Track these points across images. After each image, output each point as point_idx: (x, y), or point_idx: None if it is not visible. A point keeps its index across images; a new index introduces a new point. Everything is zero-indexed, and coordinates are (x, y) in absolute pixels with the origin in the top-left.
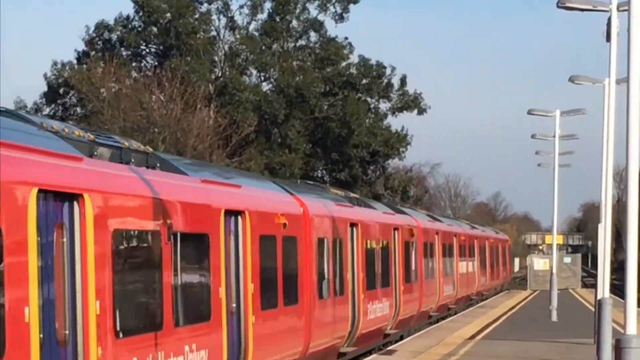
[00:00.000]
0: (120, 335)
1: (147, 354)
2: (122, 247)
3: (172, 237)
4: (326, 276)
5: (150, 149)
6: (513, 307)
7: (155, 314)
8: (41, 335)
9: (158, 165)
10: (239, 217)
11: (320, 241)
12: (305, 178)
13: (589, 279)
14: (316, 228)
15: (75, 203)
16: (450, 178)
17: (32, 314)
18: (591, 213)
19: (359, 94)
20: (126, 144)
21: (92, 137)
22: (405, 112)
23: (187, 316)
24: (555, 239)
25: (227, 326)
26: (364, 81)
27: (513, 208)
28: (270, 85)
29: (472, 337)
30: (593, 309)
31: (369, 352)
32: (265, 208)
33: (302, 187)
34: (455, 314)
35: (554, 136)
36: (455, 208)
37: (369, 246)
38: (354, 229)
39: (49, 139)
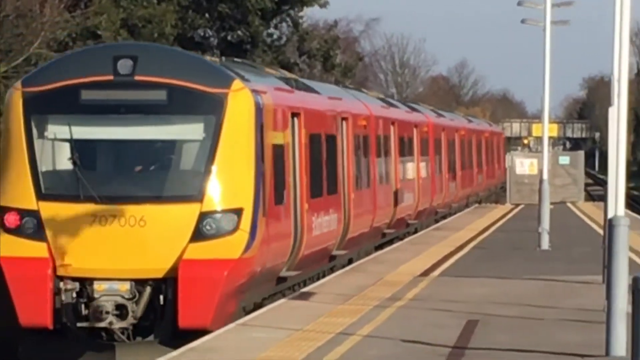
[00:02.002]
0: (311, 196)
1: (321, 207)
2: (313, 143)
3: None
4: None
5: (294, 76)
6: (485, 230)
7: (330, 186)
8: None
9: (304, 86)
10: (343, 121)
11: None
12: (181, 39)
13: (596, 188)
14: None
15: (296, 118)
16: (393, 40)
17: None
18: (599, 92)
19: None
20: (288, 75)
21: (276, 72)
22: None
23: (351, 184)
24: (547, 129)
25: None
26: None
27: (486, 85)
28: None
29: (425, 272)
30: (602, 233)
31: (311, 280)
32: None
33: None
34: (416, 231)
35: None
36: (402, 83)
37: (313, 142)
38: (296, 120)
39: (273, 78)
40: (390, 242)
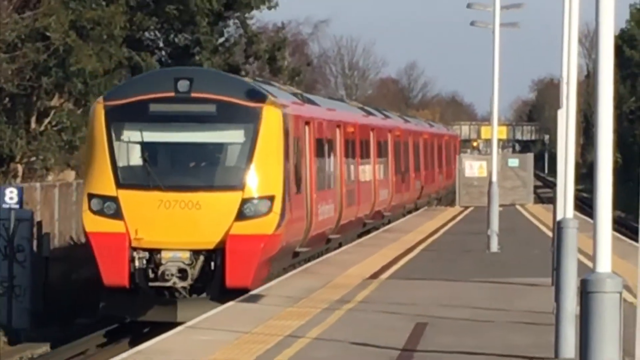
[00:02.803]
0: (317, 189)
1: (323, 198)
2: (318, 145)
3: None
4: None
5: (299, 92)
6: (435, 232)
7: (329, 181)
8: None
9: (308, 100)
10: (337, 128)
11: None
12: (130, 41)
13: (545, 191)
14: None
15: (307, 125)
16: (342, 42)
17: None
18: (548, 94)
19: None
20: (288, 88)
21: (287, 89)
22: None
23: (344, 180)
24: (497, 131)
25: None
26: None
27: (436, 87)
28: None
29: (375, 275)
30: (551, 235)
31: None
32: (350, 119)
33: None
34: (389, 222)
35: None
36: (351, 85)
37: (318, 145)
38: (306, 127)
39: (288, 94)
40: (369, 231)
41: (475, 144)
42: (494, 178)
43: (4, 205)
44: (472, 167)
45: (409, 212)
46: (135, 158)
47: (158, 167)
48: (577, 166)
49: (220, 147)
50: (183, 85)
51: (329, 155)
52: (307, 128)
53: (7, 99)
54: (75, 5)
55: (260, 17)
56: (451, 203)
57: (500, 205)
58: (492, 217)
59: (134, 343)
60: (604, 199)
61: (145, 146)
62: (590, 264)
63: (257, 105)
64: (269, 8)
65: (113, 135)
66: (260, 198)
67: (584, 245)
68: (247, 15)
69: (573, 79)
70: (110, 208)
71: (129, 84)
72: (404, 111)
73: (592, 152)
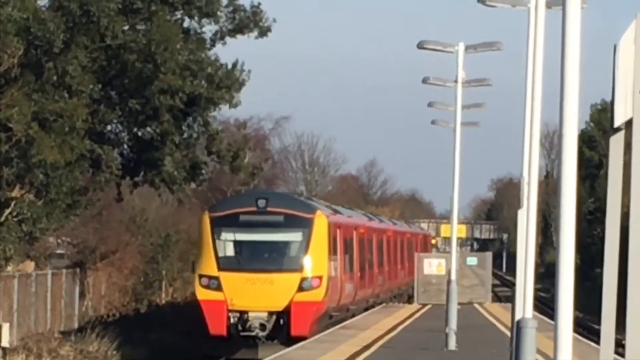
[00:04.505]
0: (346, 270)
1: (348, 279)
2: (345, 243)
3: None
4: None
5: (330, 204)
6: (392, 329)
7: (351, 267)
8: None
9: (335, 210)
10: (354, 230)
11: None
12: (91, 133)
13: (503, 290)
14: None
15: (338, 229)
16: (303, 139)
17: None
18: (507, 193)
19: (174, 12)
20: (324, 202)
21: (324, 202)
22: (239, 35)
23: (359, 267)
24: (456, 229)
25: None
26: None
27: (395, 184)
28: None
29: None
30: (509, 334)
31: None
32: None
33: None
34: (381, 302)
35: (456, 81)
36: (311, 181)
37: (345, 242)
38: (338, 230)
39: (325, 206)
40: (370, 307)
41: (434, 241)
42: (453, 276)
43: None
44: (431, 265)
45: (396, 296)
46: (230, 251)
47: (245, 257)
48: (536, 266)
49: (286, 244)
50: (261, 202)
51: (349, 249)
52: (338, 230)
53: None
54: (38, 97)
55: (222, 112)
56: (409, 300)
57: (459, 304)
58: (450, 315)
59: None
60: (565, 297)
61: (237, 243)
62: None
63: (310, 216)
64: (231, 107)
65: (215, 235)
66: (313, 277)
67: (542, 345)
68: (209, 114)
69: (534, 179)
70: (214, 284)
71: (226, 201)
72: (364, 208)
73: (551, 252)
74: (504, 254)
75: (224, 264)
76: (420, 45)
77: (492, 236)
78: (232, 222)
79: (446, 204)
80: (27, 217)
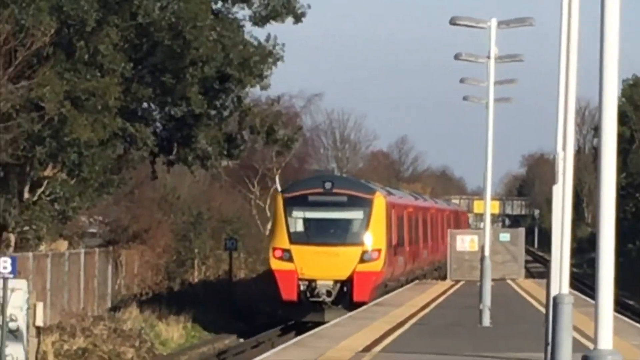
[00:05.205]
0: (399, 245)
1: (400, 252)
2: (398, 220)
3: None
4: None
5: (385, 186)
6: (426, 306)
7: (402, 243)
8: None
9: (389, 191)
10: (404, 208)
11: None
12: (124, 112)
13: (535, 265)
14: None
15: (392, 208)
16: (334, 116)
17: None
18: (538, 169)
19: None
20: (381, 185)
21: (380, 185)
22: (273, 22)
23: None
24: (489, 205)
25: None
26: None
27: (426, 161)
28: None
29: (367, 348)
30: (544, 310)
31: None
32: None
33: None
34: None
35: (488, 57)
36: (342, 158)
37: (398, 220)
38: (393, 209)
39: (382, 188)
40: (424, 276)
41: None
42: (486, 252)
43: None
44: (464, 241)
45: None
46: (300, 227)
47: (314, 232)
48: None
49: (349, 221)
50: (328, 185)
51: (400, 225)
52: (392, 209)
53: (0, 168)
54: (70, 76)
55: (253, 90)
56: (439, 279)
57: (492, 280)
58: (484, 292)
59: (299, 334)
60: (605, 273)
61: (306, 220)
62: (583, 340)
63: (370, 196)
64: (262, 88)
65: (287, 213)
66: (373, 250)
67: (577, 321)
68: (241, 91)
69: (569, 155)
70: (286, 256)
71: (296, 183)
72: (395, 185)
73: (582, 227)
74: (536, 230)
75: (295, 239)
76: (453, 22)
77: (523, 212)
78: (302, 202)
79: (477, 181)
80: (60, 196)
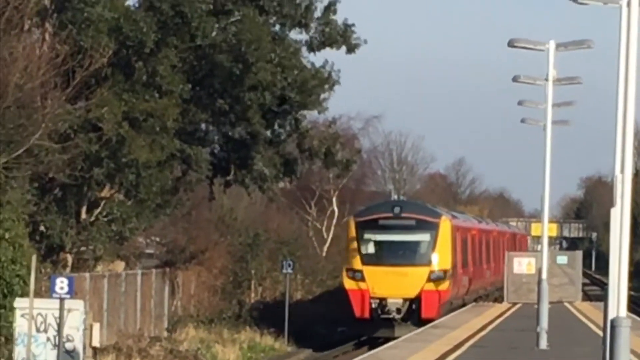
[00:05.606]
0: (463, 265)
1: (465, 272)
2: (462, 242)
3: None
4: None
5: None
6: (483, 329)
7: (466, 263)
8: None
9: (453, 215)
10: (468, 232)
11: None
12: (182, 133)
13: (593, 289)
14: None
15: (457, 231)
16: (391, 137)
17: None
18: (596, 191)
19: (266, 17)
20: (447, 209)
21: (445, 209)
22: (328, 48)
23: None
24: (547, 228)
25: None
26: None
27: (483, 183)
28: None
29: None
30: (601, 334)
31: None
32: (486, 228)
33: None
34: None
35: (546, 79)
36: (399, 180)
37: (462, 242)
38: (457, 232)
39: (448, 212)
40: (487, 296)
41: None
42: (544, 275)
43: (54, 295)
44: (521, 264)
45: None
46: (372, 249)
47: (384, 254)
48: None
49: (417, 243)
50: (397, 209)
51: (465, 246)
52: (457, 232)
53: (58, 188)
54: (128, 96)
55: (311, 113)
56: (497, 300)
57: (549, 303)
58: (541, 314)
59: (372, 348)
60: None
61: (377, 243)
62: None
63: (436, 220)
64: (319, 112)
65: (359, 236)
66: (439, 270)
67: (635, 344)
68: (299, 113)
69: (628, 177)
70: (358, 275)
71: (368, 209)
72: (452, 207)
73: None
74: (593, 253)
75: (367, 260)
76: (511, 44)
77: (581, 235)
78: (373, 226)
79: (534, 203)
80: (117, 217)
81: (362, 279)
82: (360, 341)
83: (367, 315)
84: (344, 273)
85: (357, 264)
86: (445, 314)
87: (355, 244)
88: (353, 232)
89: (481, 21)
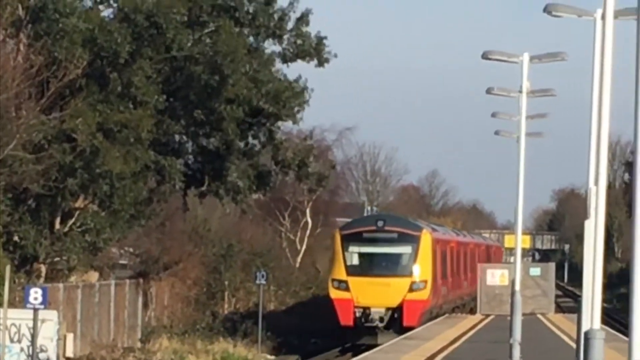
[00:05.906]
0: (442, 276)
1: (443, 283)
2: (442, 254)
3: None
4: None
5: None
6: (456, 340)
7: (445, 274)
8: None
9: (434, 228)
10: (447, 244)
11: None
12: (156, 144)
13: (565, 300)
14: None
15: (437, 244)
16: (365, 149)
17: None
18: (569, 204)
19: (240, 28)
20: (427, 222)
21: (425, 222)
22: (300, 60)
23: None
24: (520, 240)
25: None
26: (249, 8)
27: (457, 195)
28: (109, 10)
29: None
30: (574, 345)
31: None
32: (463, 240)
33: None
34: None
35: (520, 91)
36: (372, 192)
37: (441, 254)
38: (437, 245)
39: (428, 225)
40: (463, 305)
41: None
42: (517, 287)
43: (28, 306)
44: (494, 276)
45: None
46: (356, 260)
47: (368, 265)
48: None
49: (399, 255)
50: (380, 223)
51: (445, 260)
52: (437, 244)
53: (32, 199)
54: (103, 107)
55: (285, 124)
56: (471, 311)
57: (522, 314)
58: (514, 326)
59: (355, 355)
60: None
61: (361, 254)
62: None
63: (417, 233)
64: (293, 123)
65: (344, 248)
66: (420, 281)
67: (609, 357)
68: (274, 125)
69: (602, 190)
70: (343, 286)
71: (352, 222)
72: (425, 218)
73: (612, 262)
74: (566, 265)
75: (352, 271)
76: (485, 56)
77: (553, 247)
78: (357, 238)
79: (507, 215)
80: (91, 228)
81: (347, 289)
82: (345, 348)
83: (351, 323)
84: (330, 283)
85: (342, 274)
86: (425, 323)
87: (340, 256)
88: (338, 244)
89: (455, 33)
